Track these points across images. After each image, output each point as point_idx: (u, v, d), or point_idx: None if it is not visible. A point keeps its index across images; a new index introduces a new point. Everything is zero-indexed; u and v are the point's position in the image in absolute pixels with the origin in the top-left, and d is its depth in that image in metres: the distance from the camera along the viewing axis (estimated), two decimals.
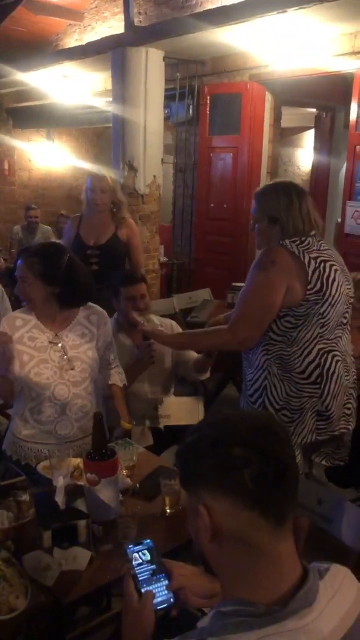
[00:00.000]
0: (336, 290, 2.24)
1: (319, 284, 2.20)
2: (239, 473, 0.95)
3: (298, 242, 2.22)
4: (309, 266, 2.19)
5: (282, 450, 0.98)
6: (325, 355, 2.27)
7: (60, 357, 2.33)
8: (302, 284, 2.19)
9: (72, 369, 2.34)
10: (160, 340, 2.64)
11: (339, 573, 1.05)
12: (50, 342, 2.32)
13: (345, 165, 5.24)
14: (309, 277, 2.18)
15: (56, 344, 2.33)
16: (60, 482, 1.90)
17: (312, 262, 2.19)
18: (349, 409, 2.39)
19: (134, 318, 2.82)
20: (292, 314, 2.22)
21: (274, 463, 0.96)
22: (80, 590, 1.62)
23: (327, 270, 2.22)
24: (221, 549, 0.99)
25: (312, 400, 2.28)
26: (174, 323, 3.18)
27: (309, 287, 2.19)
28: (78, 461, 2.14)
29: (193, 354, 3.06)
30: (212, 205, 6.14)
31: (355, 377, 2.42)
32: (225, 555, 0.99)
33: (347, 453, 2.46)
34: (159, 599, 1.23)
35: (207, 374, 3.11)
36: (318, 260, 2.21)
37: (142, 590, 1.22)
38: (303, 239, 2.24)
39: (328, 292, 2.21)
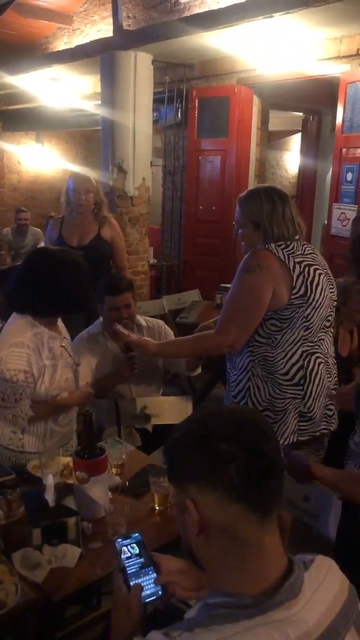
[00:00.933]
0: (320, 294, 2.25)
1: (303, 288, 2.20)
2: (225, 468, 0.96)
3: (283, 246, 2.23)
4: (293, 270, 2.19)
5: (267, 445, 0.99)
6: (308, 357, 2.28)
7: (70, 358, 2.38)
8: (288, 288, 2.20)
9: (78, 366, 2.41)
10: (148, 352, 2.55)
11: (323, 564, 1.06)
12: (61, 347, 2.33)
13: (331, 168, 5.28)
14: (294, 282, 2.19)
15: (64, 347, 2.35)
16: (50, 480, 1.90)
17: (297, 266, 2.20)
18: (330, 410, 2.41)
19: (118, 330, 2.67)
20: (277, 317, 2.23)
21: (259, 457, 0.97)
22: (70, 588, 1.62)
23: (312, 274, 2.23)
24: (208, 543, 1.00)
25: (295, 401, 2.29)
26: (161, 322, 3.18)
27: (294, 291, 2.20)
28: (68, 460, 2.14)
29: None
30: (200, 207, 6.16)
31: (336, 378, 2.44)
32: (212, 548, 1.00)
33: (325, 452, 2.47)
34: (147, 592, 1.23)
35: (199, 370, 3.12)
36: (302, 265, 2.22)
37: (131, 583, 1.23)
38: (288, 243, 2.25)
39: (312, 296, 2.23)
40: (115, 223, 4.09)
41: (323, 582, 1.02)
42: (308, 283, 2.21)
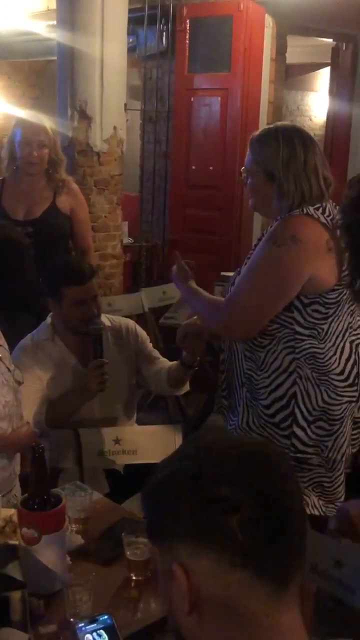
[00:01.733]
0: None
1: None
2: (225, 520, 0.96)
3: (321, 209, 2.31)
4: (339, 241, 2.29)
5: (282, 489, 0.99)
6: (357, 349, 2.42)
7: (8, 374, 2.41)
8: (336, 265, 2.29)
9: (20, 384, 2.45)
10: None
11: None
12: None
13: None
14: (345, 255, 2.30)
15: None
16: None
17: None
18: None
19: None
20: (321, 301, 2.31)
21: (272, 505, 0.97)
22: None
23: None
24: (203, 624, 1.00)
25: (350, 405, 2.42)
26: (131, 322, 3.22)
27: (344, 267, 2.30)
28: (11, 512, 2.14)
29: (164, 362, 3.10)
30: (193, 167, 6.18)
31: None
32: (209, 630, 1.00)
33: None
34: None
35: (186, 388, 3.15)
36: None
37: None
38: (325, 206, 2.32)
39: None
40: (77, 188, 4.12)
41: None
42: None
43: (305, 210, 2.29)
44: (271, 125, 2.48)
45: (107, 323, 3.09)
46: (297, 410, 2.39)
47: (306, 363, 2.37)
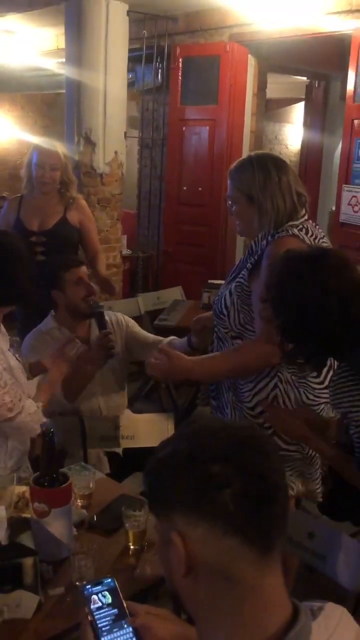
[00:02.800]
0: None
1: None
2: (218, 494, 0.95)
3: (304, 230, 2.30)
4: None
5: (268, 466, 0.99)
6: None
7: (20, 365, 2.42)
8: None
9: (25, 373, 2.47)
10: (179, 370, 2.38)
11: (334, 613, 1.06)
12: (10, 348, 2.40)
13: (341, 143, 5.32)
14: None
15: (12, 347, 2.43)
16: (1, 512, 1.89)
17: None
18: None
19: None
20: None
21: (259, 481, 0.97)
22: None
23: None
24: (197, 585, 1.00)
25: (326, 407, 2.40)
26: (118, 314, 3.24)
27: None
28: (23, 489, 2.13)
29: (157, 338, 3.14)
30: (184, 188, 6.17)
31: None
32: (202, 591, 1.00)
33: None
34: None
35: None
36: None
37: None
38: (303, 224, 2.32)
39: None
40: (85, 204, 4.12)
41: (334, 633, 1.02)
42: None
43: (290, 232, 2.28)
44: (245, 157, 2.47)
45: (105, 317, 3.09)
46: None
47: (286, 367, 2.34)
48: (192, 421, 1.08)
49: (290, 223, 2.30)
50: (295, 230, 2.28)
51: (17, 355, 2.49)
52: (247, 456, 0.98)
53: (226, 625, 0.98)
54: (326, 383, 2.36)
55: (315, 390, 2.38)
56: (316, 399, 2.38)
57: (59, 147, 3.97)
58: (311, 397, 2.38)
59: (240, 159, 2.47)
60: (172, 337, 3.07)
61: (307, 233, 2.30)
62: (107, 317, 3.08)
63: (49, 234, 3.85)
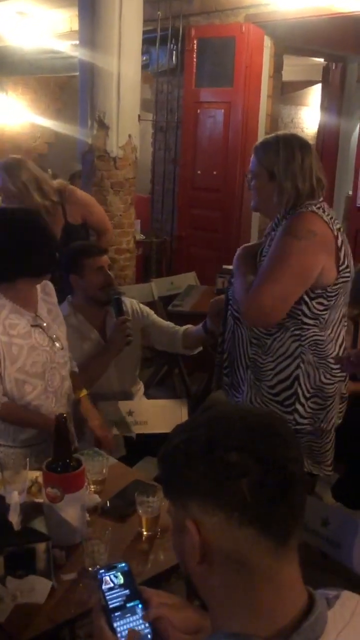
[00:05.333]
0: (353, 265, 2.40)
1: (347, 260, 2.34)
2: (235, 483, 0.94)
3: (321, 209, 2.33)
4: (337, 239, 2.31)
5: (286, 455, 0.98)
6: (344, 336, 2.48)
7: (46, 340, 2.43)
8: (335, 263, 2.31)
9: (62, 349, 2.48)
10: None
11: (350, 601, 1.05)
12: (32, 326, 2.39)
13: (358, 126, 5.27)
14: (340, 253, 2.31)
15: (37, 325, 2.41)
16: (14, 498, 1.90)
17: (339, 234, 2.33)
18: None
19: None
20: (325, 295, 2.33)
21: (278, 470, 0.96)
22: (39, 628, 1.62)
23: (345, 242, 2.36)
24: (212, 573, 0.99)
25: (340, 384, 2.50)
26: (133, 302, 3.24)
27: (340, 263, 2.31)
28: (36, 474, 2.14)
29: (174, 326, 3.19)
30: (198, 172, 6.14)
31: None
32: (217, 579, 0.99)
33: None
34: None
35: (200, 348, 3.22)
36: (341, 232, 2.35)
37: (115, 624, 1.21)
38: (322, 205, 2.35)
39: (352, 267, 2.37)
40: (80, 196, 3.99)
41: (350, 622, 1.01)
42: (348, 253, 2.36)
43: (311, 208, 2.31)
44: (272, 134, 2.51)
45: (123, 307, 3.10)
46: (299, 390, 2.42)
47: (309, 349, 2.39)
48: (209, 407, 1.07)
49: (309, 202, 2.33)
50: (314, 208, 2.31)
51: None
52: (265, 445, 0.97)
53: (241, 613, 0.98)
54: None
55: (333, 370, 2.42)
56: (333, 378, 2.44)
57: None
58: (328, 376, 2.43)
59: (267, 136, 2.51)
60: (187, 326, 3.08)
61: (324, 212, 2.32)
62: (124, 305, 3.09)
63: (61, 242, 3.79)
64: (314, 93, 10.02)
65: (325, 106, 8.04)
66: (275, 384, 2.44)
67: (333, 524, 2.22)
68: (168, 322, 3.27)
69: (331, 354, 2.41)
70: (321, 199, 2.38)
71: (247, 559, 0.96)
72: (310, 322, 2.35)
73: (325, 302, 2.33)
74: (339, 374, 2.45)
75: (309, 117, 10.85)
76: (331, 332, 2.40)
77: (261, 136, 5.96)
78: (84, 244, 3.34)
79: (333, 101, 7.84)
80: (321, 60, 7.78)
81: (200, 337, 3.07)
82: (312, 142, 9.41)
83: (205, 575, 1.00)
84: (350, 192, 5.69)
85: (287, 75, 6.64)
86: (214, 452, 0.97)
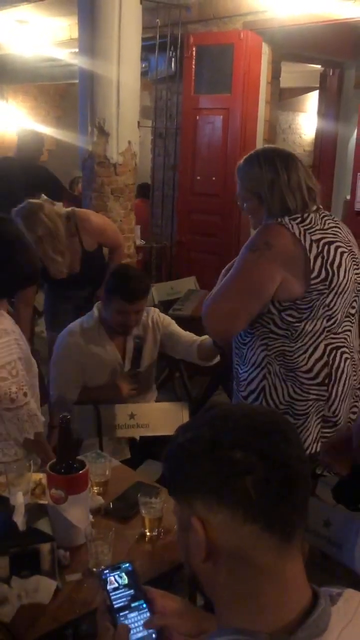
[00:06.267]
0: (344, 277, 2.26)
1: (324, 272, 2.20)
2: (239, 480, 0.95)
3: (299, 220, 2.23)
4: (310, 251, 2.19)
5: (290, 453, 0.98)
6: (333, 353, 2.30)
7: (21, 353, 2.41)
8: (304, 273, 2.20)
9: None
10: None
11: (353, 599, 1.06)
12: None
13: (355, 132, 5.28)
14: (312, 265, 2.19)
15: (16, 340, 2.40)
16: (19, 498, 1.90)
17: (314, 245, 2.20)
18: (354, 413, 2.44)
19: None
20: (294, 307, 2.23)
21: (282, 468, 0.96)
22: (44, 628, 1.62)
23: (332, 254, 2.23)
24: (217, 570, 1.00)
25: (318, 403, 2.31)
26: (153, 312, 3.21)
27: (312, 275, 2.20)
28: (40, 476, 2.14)
29: (191, 336, 3.13)
30: (198, 178, 6.14)
31: None
32: (222, 576, 0.99)
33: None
34: (139, 635, 1.22)
35: (217, 359, 3.14)
36: (321, 243, 2.22)
37: (120, 624, 1.22)
38: (305, 216, 2.25)
39: (335, 280, 2.23)
40: (92, 222, 3.99)
41: (353, 619, 1.02)
42: (328, 265, 2.21)
43: (280, 220, 2.22)
44: (252, 152, 2.38)
45: (147, 322, 3.13)
46: (264, 403, 2.34)
47: (276, 359, 2.31)
48: (214, 407, 1.07)
49: (295, 216, 2.24)
50: (287, 220, 2.21)
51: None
52: (269, 443, 0.98)
53: (246, 609, 0.98)
54: (319, 379, 2.29)
55: (304, 385, 2.29)
56: (304, 394, 2.30)
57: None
58: (298, 391, 2.30)
59: (247, 155, 2.37)
60: (204, 337, 3.06)
61: (302, 222, 2.22)
62: (144, 316, 3.09)
63: (80, 275, 3.88)
64: (312, 99, 10.03)
65: (322, 112, 8.04)
66: (247, 394, 2.38)
67: (334, 524, 2.22)
68: (188, 333, 3.18)
69: (301, 367, 2.28)
70: (315, 207, 2.29)
71: (251, 556, 0.96)
72: (280, 332, 2.27)
73: (296, 314, 2.24)
74: (313, 391, 2.30)
75: (306, 123, 10.86)
76: (303, 345, 2.27)
77: (260, 141, 5.98)
78: (128, 284, 2.95)
79: (330, 107, 7.84)
80: (318, 66, 7.79)
81: (212, 352, 3.04)
82: (309, 148, 9.49)
83: (210, 572, 1.01)
84: (348, 197, 5.69)
85: (285, 81, 6.65)
86: (218, 451, 0.97)
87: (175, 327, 3.20)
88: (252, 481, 0.95)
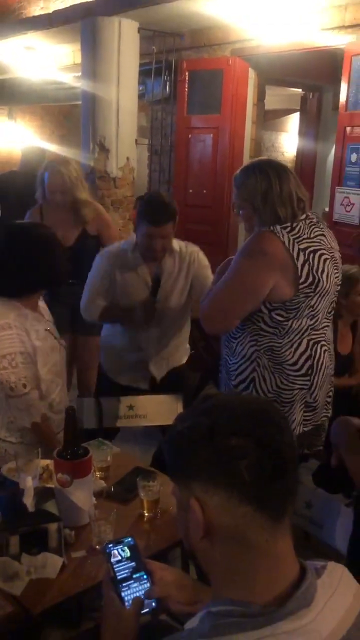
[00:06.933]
0: (326, 282, 2.27)
1: (310, 277, 2.22)
2: (235, 465, 0.95)
3: (289, 229, 2.23)
4: (297, 259, 2.20)
5: (281, 440, 0.98)
6: (315, 346, 2.33)
7: (55, 341, 2.44)
8: (292, 278, 2.21)
9: (64, 347, 2.52)
10: None
11: (336, 571, 1.06)
12: (46, 330, 2.39)
13: (333, 149, 5.29)
14: (299, 271, 2.20)
15: (49, 330, 2.42)
16: (28, 482, 1.89)
17: (302, 254, 2.21)
18: (329, 397, 2.50)
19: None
20: (283, 307, 2.25)
21: (273, 453, 0.96)
22: (51, 600, 1.61)
23: (317, 261, 2.24)
24: (213, 547, 0.99)
25: (302, 392, 2.35)
26: (196, 248, 3.04)
27: (300, 280, 2.21)
28: (47, 462, 2.13)
29: (207, 286, 2.84)
30: (190, 191, 6.14)
31: (334, 364, 2.53)
32: (218, 553, 0.99)
33: (324, 437, 2.54)
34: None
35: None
36: (307, 252, 2.22)
37: (122, 594, 1.21)
38: (294, 225, 2.24)
39: (319, 284, 2.25)
40: (102, 210, 3.97)
41: (336, 590, 1.02)
42: (314, 271, 2.22)
43: (272, 228, 2.22)
44: (249, 164, 2.38)
45: (177, 248, 2.96)
46: (254, 392, 2.35)
47: (264, 354, 2.32)
48: (212, 396, 1.07)
49: (285, 225, 2.24)
50: (278, 228, 2.21)
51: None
52: (263, 430, 0.98)
53: (240, 583, 0.98)
54: (303, 371, 2.32)
55: (290, 376, 2.32)
56: (289, 384, 2.33)
57: (71, 166, 3.78)
58: (285, 382, 2.32)
59: (244, 166, 2.38)
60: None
61: (291, 231, 2.22)
62: (179, 249, 2.95)
63: (71, 250, 3.66)
64: (293, 120, 10.05)
65: (303, 132, 8.05)
66: (238, 383, 2.40)
67: (316, 506, 2.23)
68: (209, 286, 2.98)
69: (288, 360, 2.30)
70: (304, 215, 2.28)
71: (245, 534, 0.96)
72: (269, 329, 2.29)
73: (284, 313, 2.25)
74: (299, 381, 2.33)
75: (288, 142, 10.90)
76: (289, 341, 2.29)
77: (246, 158, 5.98)
78: (153, 208, 2.82)
79: (310, 128, 7.85)
80: (299, 90, 7.80)
81: None
82: (291, 164, 9.49)
83: (207, 549, 1.00)
84: (327, 209, 5.69)
85: (269, 104, 6.66)
86: (215, 437, 0.97)
87: (208, 273, 3.00)
88: (246, 465, 0.94)
